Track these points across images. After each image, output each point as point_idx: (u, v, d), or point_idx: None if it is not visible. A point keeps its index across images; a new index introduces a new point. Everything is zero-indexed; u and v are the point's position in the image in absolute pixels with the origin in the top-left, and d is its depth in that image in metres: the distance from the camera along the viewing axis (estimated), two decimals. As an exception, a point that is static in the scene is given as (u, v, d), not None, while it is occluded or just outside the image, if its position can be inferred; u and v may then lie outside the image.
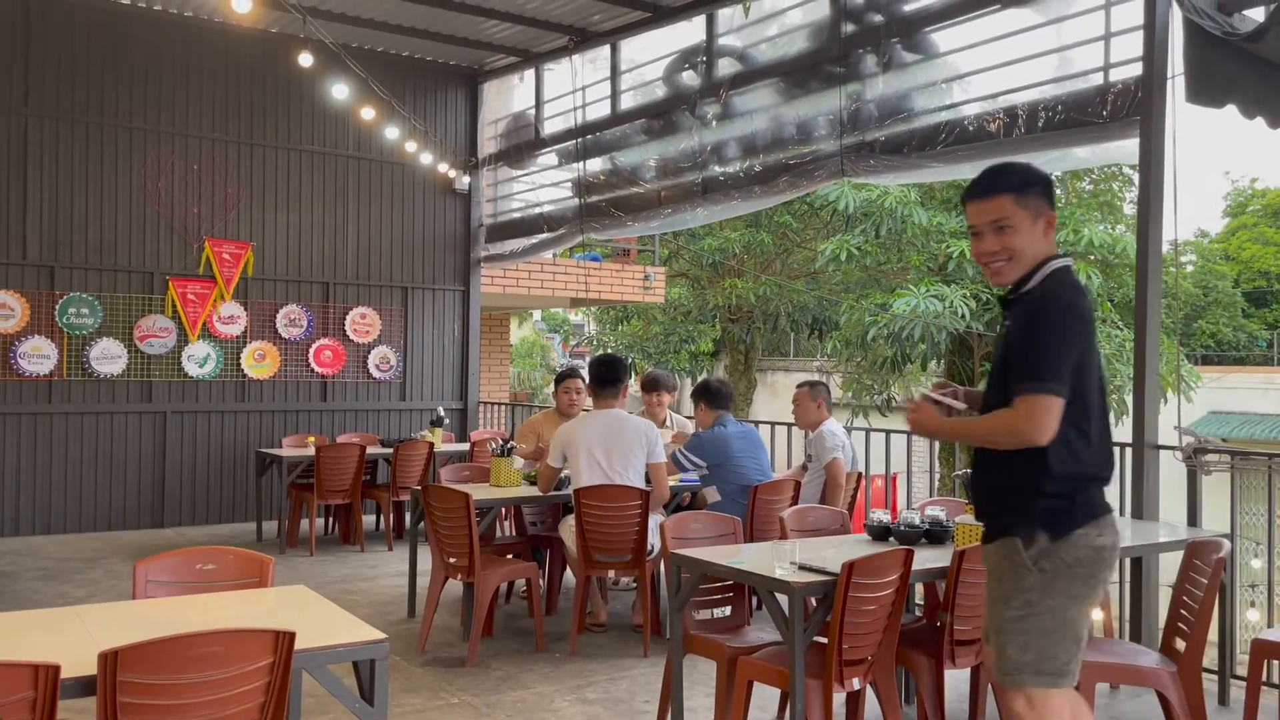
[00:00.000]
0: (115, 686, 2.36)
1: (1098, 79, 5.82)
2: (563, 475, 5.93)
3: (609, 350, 20.52)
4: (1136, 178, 5.50)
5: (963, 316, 11.87)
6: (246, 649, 2.51)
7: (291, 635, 2.55)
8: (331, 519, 9.04)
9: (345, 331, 10.03)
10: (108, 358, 8.85)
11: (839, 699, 3.78)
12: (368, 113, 8.83)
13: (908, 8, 6.83)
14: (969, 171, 7.13)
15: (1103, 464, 2.84)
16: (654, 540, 5.43)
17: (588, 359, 24.83)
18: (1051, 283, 2.80)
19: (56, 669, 2.29)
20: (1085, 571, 2.74)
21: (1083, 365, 2.75)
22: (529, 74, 10.33)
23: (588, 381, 5.90)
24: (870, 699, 3.95)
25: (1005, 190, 2.82)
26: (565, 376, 6.83)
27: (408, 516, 7.19)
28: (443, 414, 9.33)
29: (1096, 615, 5.14)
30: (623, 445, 5.57)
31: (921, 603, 4.89)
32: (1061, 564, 2.72)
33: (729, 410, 6.12)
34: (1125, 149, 5.81)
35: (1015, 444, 2.74)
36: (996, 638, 2.79)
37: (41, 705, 2.28)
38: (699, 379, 19.21)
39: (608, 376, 5.79)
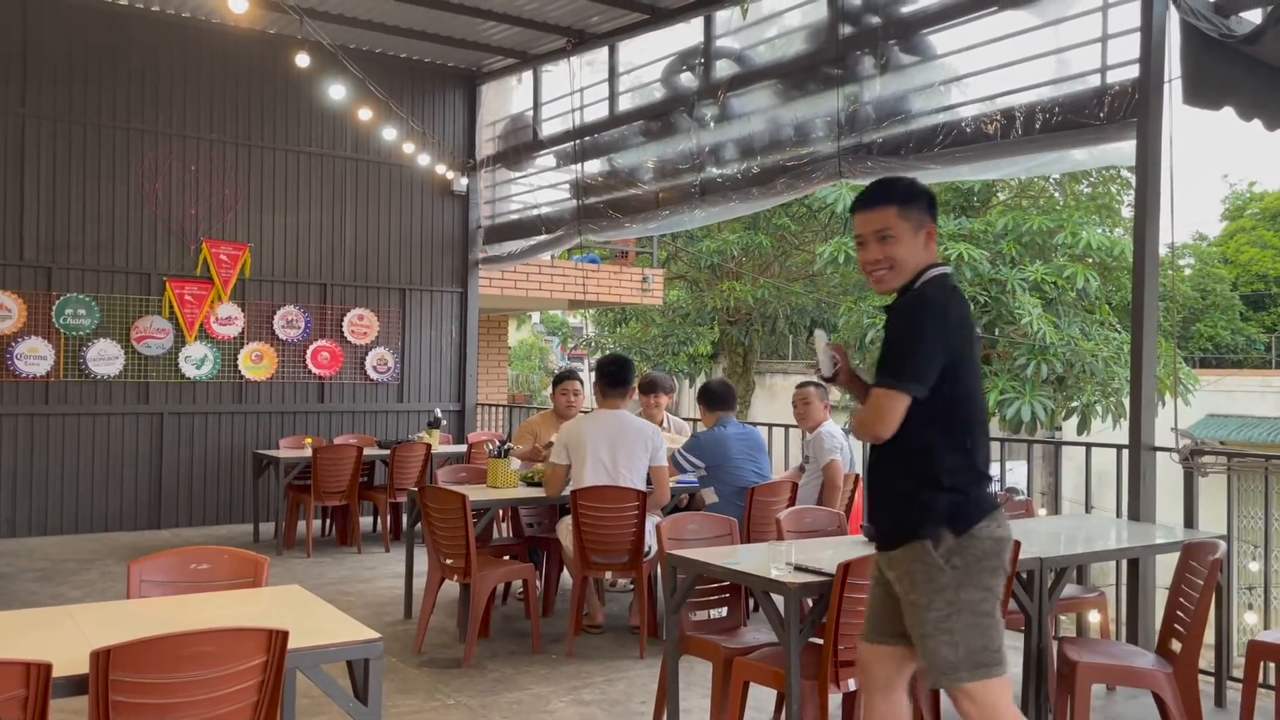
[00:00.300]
0: (107, 685, 2.35)
1: (1095, 81, 5.82)
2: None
3: (609, 352, 20.50)
4: (1135, 180, 5.49)
5: (961, 319, 11.86)
6: (239, 648, 2.51)
7: (284, 634, 2.55)
8: (328, 520, 9.03)
9: (343, 333, 10.02)
10: (105, 359, 8.84)
11: (834, 700, 3.77)
12: (365, 114, 8.83)
13: (905, 10, 6.83)
14: (967, 173, 7.16)
15: (988, 461, 2.99)
16: (651, 541, 5.42)
17: (586, 361, 24.84)
18: (929, 287, 2.92)
19: (48, 667, 2.29)
20: (991, 564, 2.85)
21: (963, 365, 2.86)
22: (527, 75, 10.34)
23: (596, 380, 5.88)
24: (866, 700, 3.94)
25: (889, 202, 2.95)
26: (563, 378, 6.82)
27: (405, 518, 7.17)
28: (440, 416, 9.33)
29: (1093, 617, 5.14)
30: (627, 446, 5.56)
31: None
32: (971, 558, 2.82)
33: (730, 412, 6.11)
34: (1122, 151, 5.82)
35: (868, 439, 2.92)
36: (924, 643, 2.83)
37: (33, 704, 2.28)
38: (698, 381, 19.21)
39: (618, 376, 5.77)
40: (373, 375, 10.18)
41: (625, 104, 9.20)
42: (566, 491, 5.65)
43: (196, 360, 9.24)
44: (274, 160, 9.69)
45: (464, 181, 10.64)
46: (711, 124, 8.20)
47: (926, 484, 2.85)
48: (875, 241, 2.94)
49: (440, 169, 10.25)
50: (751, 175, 7.83)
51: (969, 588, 2.80)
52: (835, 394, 6.76)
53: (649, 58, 9.01)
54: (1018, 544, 3.87)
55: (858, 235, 3.00)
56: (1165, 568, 4.64)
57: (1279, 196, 30.48)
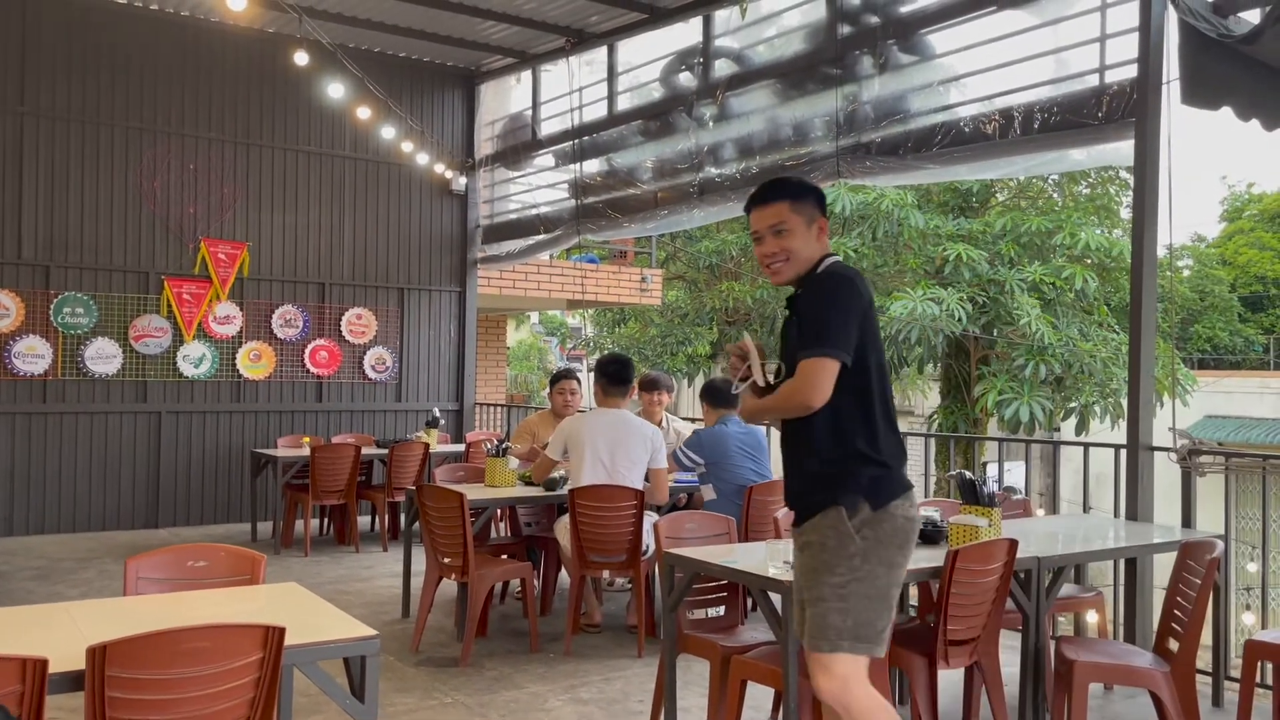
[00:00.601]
0: (103, 681, 2.35)
1: (1093, 81, 5.83)
2: (559, 474, 5.93)
3: (609, 351, 20.46)
4: (1133, 181, 5.50)
5: (960, 320, 11.87)
6: (236, 644, 2.50)
7: (281, 631, 2.54)
8: (326, 520, 9.02)
9: (341, 332, 10.02)
10: (102, 357, 8.83)
11: (832, 699, 3.77)
12: (364, 113, 8.83)
13: (904, 9, 6.84)
14: (965, 173, 7.16)
15: (901, 441, 3.07)
16: (649, 540, 5.42)
17: (585, 362, 24.83)
18: (833, 267, 3.06)
19: (44, 663, 2.28)
20: (899, 541, 2.93)
21: (873, 343, 2.97)
22: (526, 75, 10.34)
23: (596, 379, 5.89)
24: (864, 699, 3.94)
25: (782, 197, 3.08)
26: (560, 377, 6.82)
27: (402, 517, 7.17)
28: (438, 415, 9.32)
29: (1091, 617, 5.14)
30: (627, 446, 5.57)
31: (915, 603, 4.88)
32: (882, 532, 2.90)
33: (733, 410, 6.10)
34: (1121, 151, 5.82)
35: (797, 410, 2.94)
36: (816, 606, 2.89)
37: (29, 699, 2.27)
38: (696, 381, 19.16)
39: (619, 375, 5.78)
40: (371, 374, 10.18)
41: (624, 104, 9.20)
42: (565, 490, 5.65)
43: (195, 359, 9.24)
44: (272, 159, 9.69)
45: (462, 181, 10.64)
46: (710, 124, 8.20)
47: (852, 455, 2.92)
48: (771, 236, 3.06)
49: (439, 168, 10.25)
50: (750, 175, 7.83)
51: (873, 561, 2.88)
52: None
53: (648, 57, 9.02)
54: (1014, 543, 3.88)
55: (754, 232, 3.13)
56: (1163, 568, 4.64)
57: (1277, 198, 30.50)
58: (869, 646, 2.86)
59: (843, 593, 2.85)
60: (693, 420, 7.65)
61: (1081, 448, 6.05)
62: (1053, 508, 6.50)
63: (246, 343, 9.51)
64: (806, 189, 3.12)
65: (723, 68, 8.20)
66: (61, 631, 2.77)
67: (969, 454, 12.63)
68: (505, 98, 10.75)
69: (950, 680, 4.41)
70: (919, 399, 18.22)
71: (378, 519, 8.63)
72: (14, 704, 2.27)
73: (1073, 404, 12.28)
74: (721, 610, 4.37)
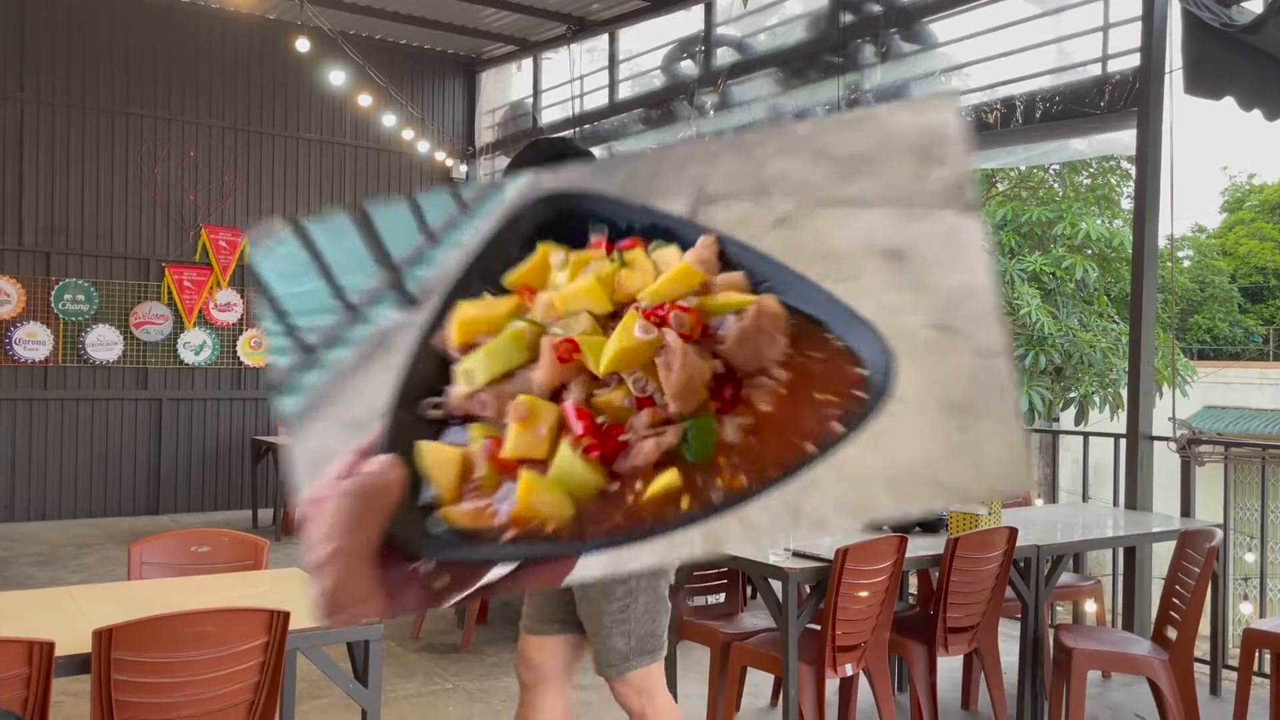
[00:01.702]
0: (109, 664, 2.36)
1: (1095, 70, 5.83)
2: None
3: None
4: (1134, 171, 5.50)
5: (959, 309, 11.86)
6: (241, 628, 2.52)
7: (286, 615, 2.55)
8: (327, 507, 9.03)
9: (342, 320, 10.01)
10: (103, 344, 8.84)
11: (832, 685, 3.79)
12: (365, 100, 8.82)
13: (906, -2, 6.83)
14: (966, 163, 7.14)
15: None
16: (649, 528, 5.43)
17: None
18: None
19: (51, 646, 2.29)
20: None
21: None
22: (527, 63, 10.32)
23: None
24: (863, 685, 3.96)
25: (511, 171, 2.60)
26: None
27: (403, 504, 7.18)
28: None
29: (1089, 606, 5.16)
30: None
31: (915, 592, 4.90)
32: None
33: None
34: (1122, 141, 5.83)
35: None
36: (597, 635, 2.71)
37: (36, 682, 2.29)
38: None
39: None
40: (371, 362, 10.17)
41: (625, 92, 9.20)
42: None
43: (195, 346, 9.25)
44: (273, 146, 9.68)
45: (463, 169, 10.62)
46: (712, 112, 8.19)
47: None
48: None
49: (439, 156, 10.23)
50: (751, 164, 7.82)
51: (645, 573, 2.68)
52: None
53: (649, 45, 9.01)
54: (1014, 531, 3.89)
55: None
56: (1162, 557, 4.66)
57: (1278, 189, 30.49)
58: (652, 655, 2.73)
59: (623, 616, 2.69)
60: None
61: (1081, 437, 6.07)
62: (1052, 497, 6.52)
63: (247, 330, 9.52)
64: (521, 163, 2.44)
65: (724, 56, 8.19)
66: (67, 615, 2.79)
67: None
68: (506, 86, 10.73)
69: (949, 667, 4.44)
70: (918, 389, 18.23)
71: (378, 506, 8.64)
72: (21, 686, 2.28)
73: (1072, 394, 12.29)
74: (721, 597, 4.38)
